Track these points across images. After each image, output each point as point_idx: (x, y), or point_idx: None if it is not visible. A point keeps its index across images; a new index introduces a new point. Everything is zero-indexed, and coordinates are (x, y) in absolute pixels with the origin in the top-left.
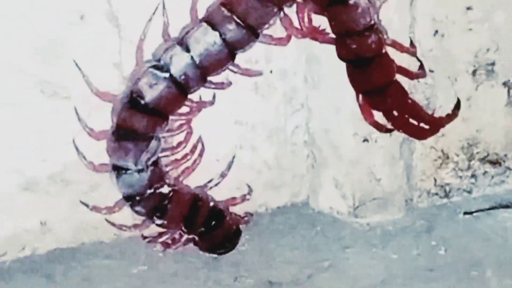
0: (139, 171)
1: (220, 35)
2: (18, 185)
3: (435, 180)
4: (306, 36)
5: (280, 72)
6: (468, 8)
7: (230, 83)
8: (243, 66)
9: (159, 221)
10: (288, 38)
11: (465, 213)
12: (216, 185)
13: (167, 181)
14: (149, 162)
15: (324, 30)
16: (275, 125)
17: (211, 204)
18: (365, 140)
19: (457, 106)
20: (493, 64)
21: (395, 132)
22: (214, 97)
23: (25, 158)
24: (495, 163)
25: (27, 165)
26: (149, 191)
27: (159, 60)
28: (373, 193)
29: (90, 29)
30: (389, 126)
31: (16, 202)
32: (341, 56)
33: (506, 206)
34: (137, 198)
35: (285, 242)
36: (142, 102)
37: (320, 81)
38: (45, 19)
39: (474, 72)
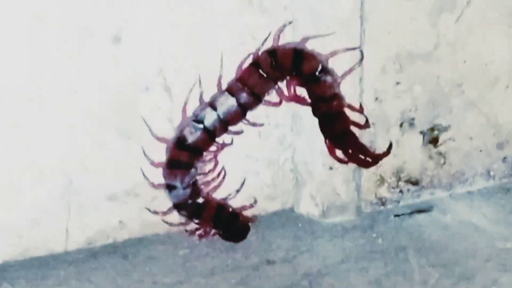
0: (184, 188)
1: (236, 100)
2: (104, 196)
3: (376, 194)
4: (292, 101)
5: (275, 124)
6: (397, 83)
7: (242, 131)
8: (251, 120)
9: (196, 221)
10: (280, 102)
11: (395, 215)
12: (233, 197)
13: (201, 195)
14: (190, 182)
15: (303, 97)
16: (272, 159)
17: (230, 209)
18: (331, 168)
19: (390, 147)
20: (413, 119)
21: (350, 164)
22: (232, 140)
23: (108, 179)
24: (414, 183)
25: (110, 184)
26: (189, 201)
27: (197, 116)
28: (335, 203)
29: (152, 96)
30: (346, 159)
31: (103, 208)
32: (314, 114)
33: (420, 211)
34: (182, 206)
35: (278, 234)
36: (186, 143)
37: (301, 130)
38: (122, 87)
39: (401, 125)
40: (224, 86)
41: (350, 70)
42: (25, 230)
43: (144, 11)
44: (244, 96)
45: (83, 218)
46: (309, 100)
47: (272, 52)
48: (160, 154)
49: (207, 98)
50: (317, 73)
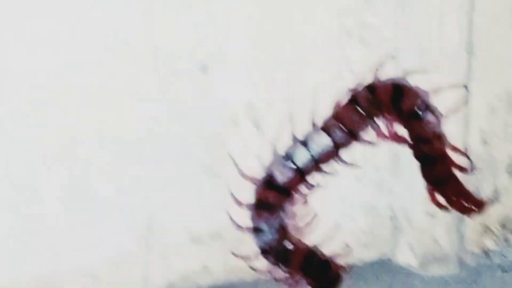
0: (271, 232)
1: (331, 139)
2: (188, 239)
3: (480, 245)
4: (391, 140)
5: (373, 166)
6: (507, 125)
7: (337, 172)
8: (347, 160)
9: (284, 268)
10: (378, 140)
11: (503, 271)
12: (325, 243)
13: (291, 240)
14: (278, 226)
15: (403, 136)
16: (370, 204)
17: (321, 256)
18: (431, 215)
19: (497, 194)
20: None
21: (452, 211)
22: (325, 182)
23: (193, 220)
24: None
25: (194, 225)
26: (277, 246)
27: (288, 155)
28: (436, 253)
29: (241, 131)
30: (448, 206)
31: (186, 251)
32: (415, 155)
33: None
34: (269, 251)
35: (372, 285)
36: (275, 183)
37: (400, 173)
38: (209, 121)
39: (510, 170)
40: (317, 122)
41: (455, 109)
42: (102, 272)
43: (235, 38)
44: (339, 134)
45: (165, 262)
46: (409, 140)
47: (370, 88)
48: (248, 194)
49: (299, 135)
50: (418, 111)
